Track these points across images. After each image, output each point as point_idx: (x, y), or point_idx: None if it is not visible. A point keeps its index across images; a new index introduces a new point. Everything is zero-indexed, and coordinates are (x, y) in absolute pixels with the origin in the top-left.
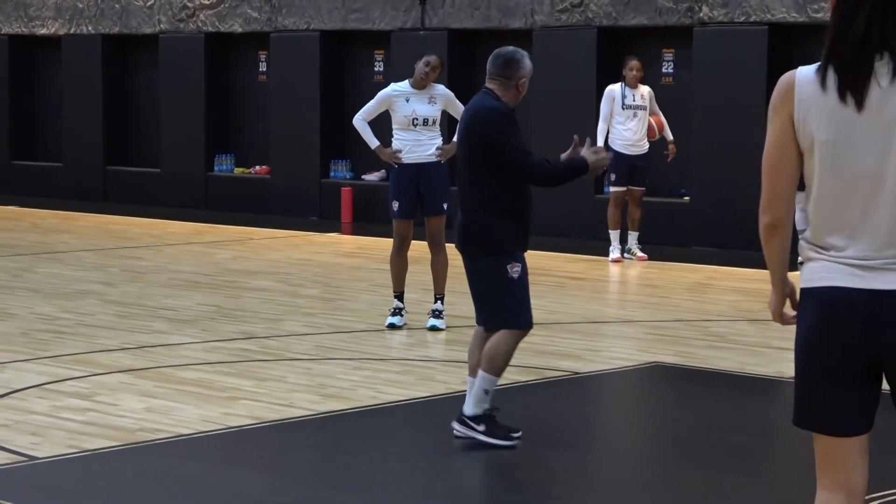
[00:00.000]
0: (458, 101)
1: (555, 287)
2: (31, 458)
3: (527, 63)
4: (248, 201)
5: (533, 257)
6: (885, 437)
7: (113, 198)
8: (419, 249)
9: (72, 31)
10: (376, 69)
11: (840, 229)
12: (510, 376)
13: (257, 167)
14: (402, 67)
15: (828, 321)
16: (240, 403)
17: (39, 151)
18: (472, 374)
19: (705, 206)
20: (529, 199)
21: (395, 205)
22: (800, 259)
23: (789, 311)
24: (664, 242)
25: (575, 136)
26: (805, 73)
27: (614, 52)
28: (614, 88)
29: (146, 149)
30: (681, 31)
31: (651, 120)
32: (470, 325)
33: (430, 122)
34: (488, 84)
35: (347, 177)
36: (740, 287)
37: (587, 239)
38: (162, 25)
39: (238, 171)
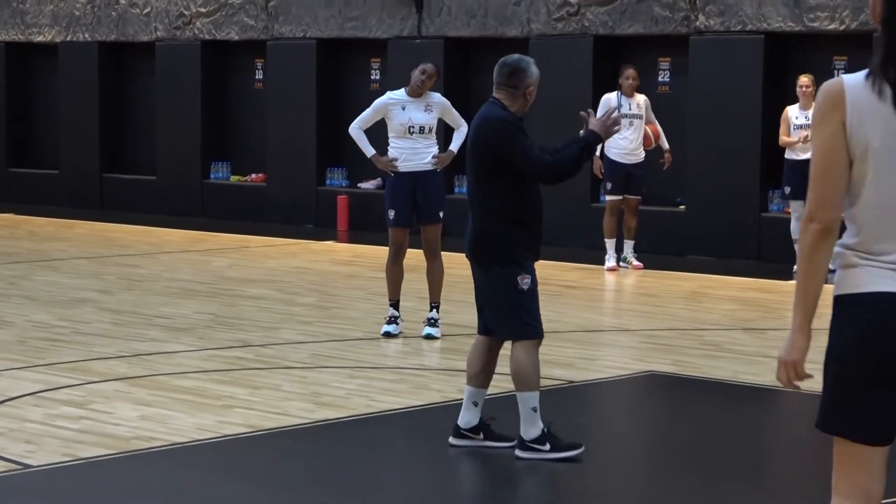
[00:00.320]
0: (454, 110)
1: (550, 296)
2: (26, 466)
3: (533, 70)
4: (244, 209)
5: None
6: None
7: (109, 205)
8: (415, 258)
9: (68, 39)
10: (373, 77)
11: (892, 235)
12: (504, 385)
13: (253, 175)
14: (399, 75)
15: (880, 327)
16: (234, 412)
17: (36, 159)
18: (470, 382)
19: (701, 214)
20: (540, 208)
21: (392, 213)
22: (831, 266)
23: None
24: (660, 251)
25: (582, 113)
26: (855, 81)
27: (610, 60)
28: (610, 97)
29: (143, 156)
30: (677, 39)
31: (647, 129)
32: (465, 334)
33: (427, 131)
34: (495, 93)
35: (344, 185)
36: (736, 296)
37: (583, 247)
38: (158, 33)
39: (234, 178)
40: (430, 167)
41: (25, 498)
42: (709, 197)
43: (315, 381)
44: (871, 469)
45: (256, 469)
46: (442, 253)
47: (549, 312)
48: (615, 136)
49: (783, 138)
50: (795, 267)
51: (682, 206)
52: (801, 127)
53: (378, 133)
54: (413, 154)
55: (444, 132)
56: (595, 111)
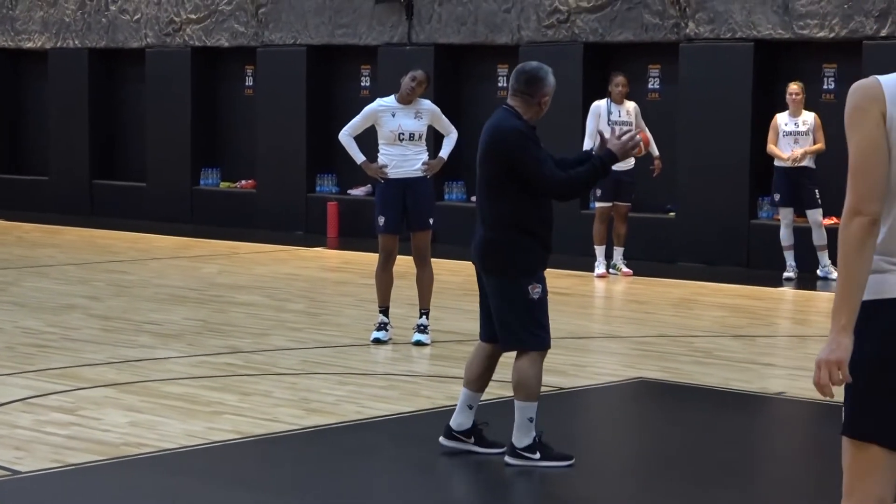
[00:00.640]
0: (444, 117)
1: None
2: (15, 472)
3: (550, 80)
4: (234, 215)
5: None
6: None
7: (99, 212)
8: (405, 264)
9: (58, 45)
10: (363, 84)
11: None
12: (495, 391)
13: (243, 181)
14: (389, 82)
15: None
16: (224, 418)
17: (26, 165)
18: (468, 386)
19: (691, 221)
20: (551, 217)
21: (381, 220)
22: None
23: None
24: (650, 258)
25: (600, 130)
26: (891, 79)
27: (600, 68)
28: (600, 104)
29: (132, 163)
30: (667, 47)
31: (634, 131)
32: (455, 341)
33: (416, 137)
34: (510, 100)
35: (333, 191)
36: (725, 303)
37: (573, 254)
38: (149, 39)
39: (224, 185)
40: (419, 174)
41: None
42: (698, 204)
43: (305, 388)
44: (886, 476)
45: (246, 475)
46: (432, 259)
47: None
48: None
49: (770, 146)
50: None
51: (672, 213)
52: (789, 134)
53: (368, 140)
54: (403, 161)
55: (434, 139)
56: (585, 119)
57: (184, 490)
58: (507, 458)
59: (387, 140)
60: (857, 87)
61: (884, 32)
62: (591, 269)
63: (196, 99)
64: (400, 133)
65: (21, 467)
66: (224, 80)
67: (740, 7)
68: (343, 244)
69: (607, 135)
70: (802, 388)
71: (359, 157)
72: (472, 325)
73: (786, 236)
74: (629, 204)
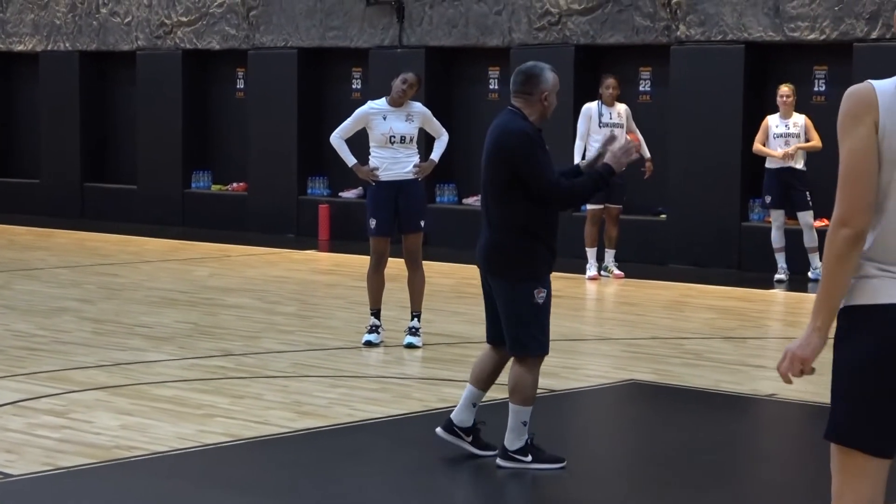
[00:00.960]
0: (435, 119)
1: None
2: (6, 475)
3: (548, 76)
4: (225, 218)
5: None
6: None
7: (90, 214)
8: (396, 267)
9: (49, 48)
10: (354, 87)
11: None
12: (489, 393)
13: (234, 184)
14: (380, 85)
15: None
16: (215, 421)
17: (16, 168)
18: (474, 384)
19: (682, 224)
20: (556, 220)
21: (373, 222)
22: None
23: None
24: (641, 260)
25: (600, 148)
26: (885, 86)
27: (591, 70)
28: (591, 106)
29: (123, 165)
30: (658, 49)
31: (628, 138)
32: (447, 343)
33: (408, 140)
34: (513, 102)
35: (325, 194)
36: (716, 305)
37: (564, 257)
38: (140, 42)
39: (215, 187)
40: (411, 176)
41: None
42: (689, 206)
43: (296, 391)
44: (875, 480)
45: (237, 478)
46: (423, 262)
47: None
48: (596, 145)
49: (757, 145)
50: (809, 270)
51: (663, 216)
52: (780, 136)
53: (359, 142)
54: (394, 163)
55: (425, 141)
56: (576, 121)
57: (175, 493)
58: (499, 461)
59: (378, 143)
60: (852, 93)
61: (874, 34)
62: (583, 272)
63: (187, 101)
64: (391, 136)
65: (12, 470)
66: (215, 82)
67: (731, 9)
68: (334, 247)
69: (597, 144)
70: (793, 390)
71: (350, 160)
72: (464, 327)
73: (777, 238)
74: (620, 206)
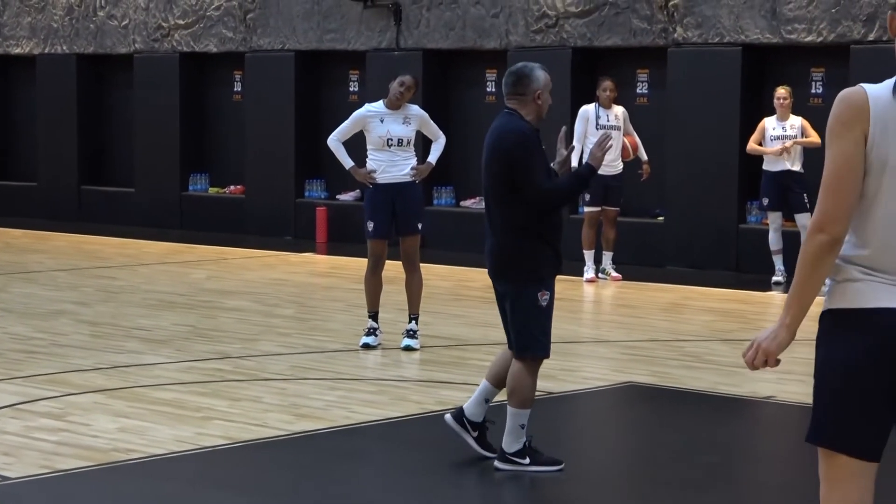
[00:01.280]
0: (432, 122)
1: None
2: (4, 478)
3: (539, 75)
4: (222, 221)
5: None
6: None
7: (87, 217)
8: (394, 269)
9: (46, 51)
10: (351, 89)
11: None
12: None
13: (232, 187)
14: (377, 87)
15: (887, 343)
16: (213, 423)
17: (14, 171)
18: (489, 380)
19: (679, 226)
20: (561, 224)
21: (370, 225)
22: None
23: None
24: (638, 262)
25: (563, 151)
26: (879, 92)
27: (589, 72)
28: (588, 109)
29: (121, 168)
30: (655, 51)
31: (625, 140)
32: (444, 346)
33: (405, 143)
34: (508, 103)
35: (322, 196)
36: (714, 307)
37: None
38: (137, 45)
39: (213, 190)
40: (408, 179)
41: None
42: (687, 208)
43: (294, 393)
44: (862, 484)
45: (235, 481)
46: (421, 264)
47: None
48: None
49: (751, 144)
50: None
51: (661, 218)
52: (777, 138)
53: (356, 145)
54: (391, 166)
55: (423, 144)
56: (573, 123)
57: (173, 496)
58: (497, 463)
59: (375, 145)
60: (844, 97)
61: (871, 37)
62: (581, 274)
63: (184, 104)
64: (388, 138)
65: (10, 473)
66: (212, 85)
67: (728, 12)
68: (332, 249)
69: (564, 150)
70: (791, 391)
71: (347, 163)
72: (462, 330)
73: (774, 240)
74: (618, 208)
